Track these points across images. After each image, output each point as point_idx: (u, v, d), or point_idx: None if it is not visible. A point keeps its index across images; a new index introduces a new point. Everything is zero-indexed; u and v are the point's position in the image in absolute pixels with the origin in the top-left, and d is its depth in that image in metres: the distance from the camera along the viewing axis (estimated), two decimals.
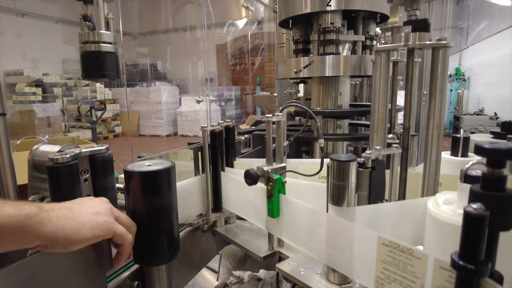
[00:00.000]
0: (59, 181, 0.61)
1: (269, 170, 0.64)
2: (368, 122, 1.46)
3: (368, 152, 0.60)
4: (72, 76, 7.72)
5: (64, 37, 7.74)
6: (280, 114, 0.65)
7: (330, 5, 1.09)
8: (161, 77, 8.46)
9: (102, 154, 0.68)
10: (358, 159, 0.57)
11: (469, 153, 0.98)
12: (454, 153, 0.93)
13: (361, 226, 0.50)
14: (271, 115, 0.65)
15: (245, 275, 1.08)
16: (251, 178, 0.64)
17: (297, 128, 1.34)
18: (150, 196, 0.57)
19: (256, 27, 6.56)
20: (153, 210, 0.57)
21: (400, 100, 0.93)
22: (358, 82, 2.12)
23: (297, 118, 1.70)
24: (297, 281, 0.60)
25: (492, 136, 1.26)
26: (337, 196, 0.55)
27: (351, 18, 1.25)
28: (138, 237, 0.58)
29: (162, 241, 0.59)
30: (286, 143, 0.71)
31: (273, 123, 0.65)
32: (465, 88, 6.72)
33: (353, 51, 1.25)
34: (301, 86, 2.10)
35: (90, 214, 0.48)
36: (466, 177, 0.52)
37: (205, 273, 1.18)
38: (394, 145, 0.66)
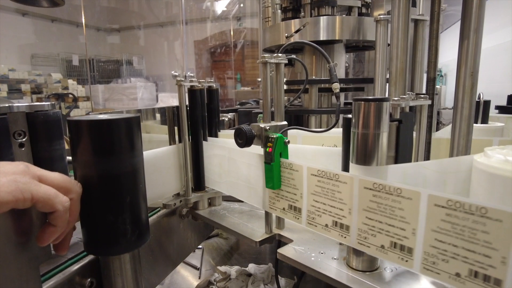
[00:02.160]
0: None
1: (268, 128, 0.49)
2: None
3: (395, 99, 0.47)
4: (42, 72, 7.29)
5: (33, 31, 7.31)
6: (280, 55, 0.51)
7: None
8: (137, 73, 8.14)
9: (45, 112, 0.52)
10: None
11: (489, 121, 0.87)
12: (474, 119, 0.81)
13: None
14: (268, 55, 0.50)
15: (232, 270, 0.92)
16: (243, 137, 0.49)
17: (288, 106, 1.20)
18: (104, 156, 0.41)
19: (237, 23, 6.39)
20: (108, 176, 0.41)
21: None
22: (346, 66, 2.01)
23: (285, 98, 1.56)
24: (309, 270, 0.45)
25: (498, 111, 1.17)
26: (364, 151, 0.40)
27: None
28: (88, 216, 0.42)
29: (122, 221, 0.42)
30: None
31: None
32: (443, 83, 6.84)
33: None
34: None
35: None
36: None
37: (184, 270, 1.01)
38: (422, 95, 0.53)
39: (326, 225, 0.44)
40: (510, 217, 0.29)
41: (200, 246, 1.12)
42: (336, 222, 0.43)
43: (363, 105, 0.39)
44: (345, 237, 0.42)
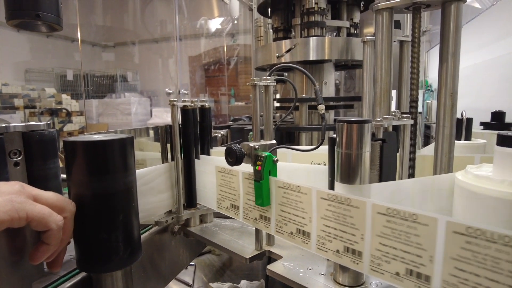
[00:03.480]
0: None
1: (257, 147, 0.51)
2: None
3: (378, 119, 0.49)
4: (36, 87, 7.29)
5: (28, 47, 7.34)
6: (268, 78, 0.53)
7: None
8: (131, 88, 8.18)
9: (40, 132, 0.53)
10: None
11: (472, 138, 0.90)
12: (457, 137, 0.84)
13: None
14: (257, 77, 0.52)
15: (225, 287, 0.92)
16: (234, 156, 0.51)
17: (280, 123, 1.22)
18: (98, 175, 0.42)
19: (231, 39, 6.49)
20: (102, 195, 0.42)
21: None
22: (337, 83, 2.06)
23: (277, 115, 1.58)
24: (297, 286, 0.46)
25: (482, 127, 1.20)
26: (347, 170, 0.42)
27: (334, 4, 1.17)
28: (81, 233, 0.43)
29: (115, 238, 0.44)
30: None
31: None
32: (433, 98, 7.00)
33: None
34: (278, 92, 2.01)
35: None
36: (504, 139, 0.42)
37: (176, 286, 1.01)
38: (405, 115, 0.55)
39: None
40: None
41: (192, 263, 1.12)
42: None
43: (346, 127, 0.41)
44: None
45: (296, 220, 0.48)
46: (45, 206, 0.37)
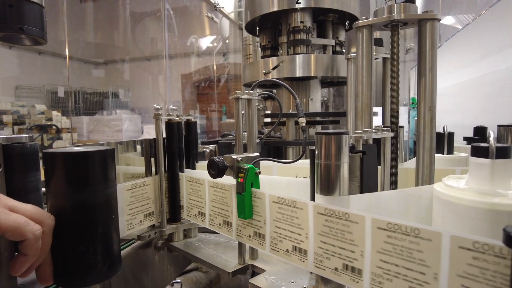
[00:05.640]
0: None
1: (239, 159, 0.52)
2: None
3: (358, 132, 0.50)
4: (26, 103, 7.24)
5: (19, 63, 7.33)
6: (251, 92, 0.54)
7: (300, 2, 1.03)
8: (123, 105, 8.16)
9: (22, 144, 0.53)
10: None
11: (454, 152, 0.92)
12: (439, 150, 0.86)
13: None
14: (240, 91, 0.53)
15: None
16: (216, 168, 0.51)
17: (266, 138, 1.23)
18: (77, 187, 0.42)
19: (222, 58, 6.57)
20: (82, 206, 0.42)
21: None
22: (326, 100, 2.09)
23: (266, 131, 1.59)
24: None
25: (466, 142, 1.23)
26: (326, 181, 0.43)
27: (320, 23, 1.20)
28: (59, 246, 0.42)
29: (93, 251, 0.43)
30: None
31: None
32: None
33: None
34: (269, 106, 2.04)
35: None
36: (477, 150, 0.43)
37: None
38: (385, 128, 0.56)
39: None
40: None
41: (179, 280, 1.10)
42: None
43: (324, 138, 0.42)
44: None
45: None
46: (21, 215, 0.36)
